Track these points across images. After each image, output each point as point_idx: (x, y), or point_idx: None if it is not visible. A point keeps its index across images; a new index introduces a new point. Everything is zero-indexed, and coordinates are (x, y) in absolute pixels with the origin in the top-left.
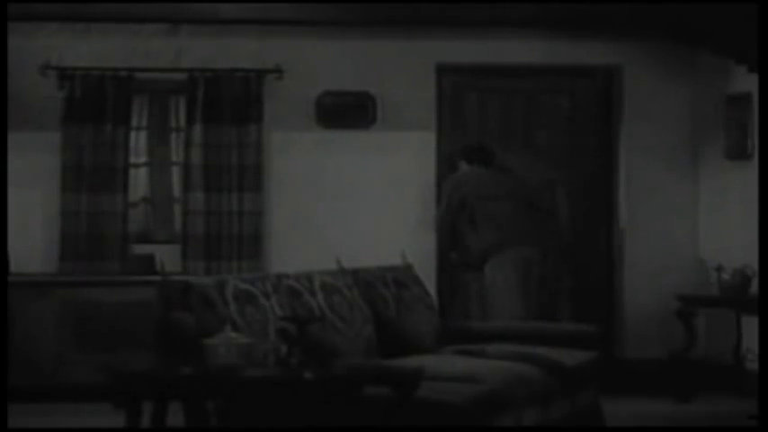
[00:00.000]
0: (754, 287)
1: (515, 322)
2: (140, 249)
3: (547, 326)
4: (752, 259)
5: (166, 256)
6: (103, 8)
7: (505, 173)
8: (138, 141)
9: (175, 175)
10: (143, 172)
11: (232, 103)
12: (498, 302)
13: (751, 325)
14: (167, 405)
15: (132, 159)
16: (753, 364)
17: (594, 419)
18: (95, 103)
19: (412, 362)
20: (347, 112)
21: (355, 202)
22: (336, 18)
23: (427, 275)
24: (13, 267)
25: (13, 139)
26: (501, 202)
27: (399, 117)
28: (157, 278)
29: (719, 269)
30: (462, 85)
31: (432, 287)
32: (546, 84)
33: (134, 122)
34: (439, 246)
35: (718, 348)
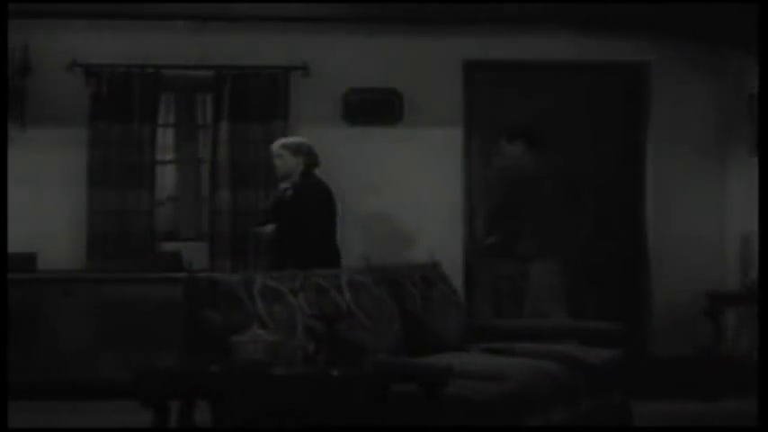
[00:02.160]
0: None
1: (543, 320)
2: (167, 247)
3: (574, 324)
4: None
5: (193, 254)
6: (130, 5)
7: (551, 160)
8: (165, 138)
9: (202, 172)
10: (170, 169)
11: (259, 100)
12: (538, 304)
13: None
14: (194, 403)
15: (159, 156)
16: None
17: (623, 418)
18: (122, 101)
19: (439, 360)
20: (374, 108)
21: (382, 199)
22: (363, 15)
23: (454, 272)
24: (40, 264)
25: (41, 136)
26: (549, 197)
27: (426, 113)
28: (184, 275)
29: (746, 266)
30: (489, 81)
31: (459, 283)
32: (573, 80)
33: (161, 119)
34: (480, 231)
35: (746, 346)
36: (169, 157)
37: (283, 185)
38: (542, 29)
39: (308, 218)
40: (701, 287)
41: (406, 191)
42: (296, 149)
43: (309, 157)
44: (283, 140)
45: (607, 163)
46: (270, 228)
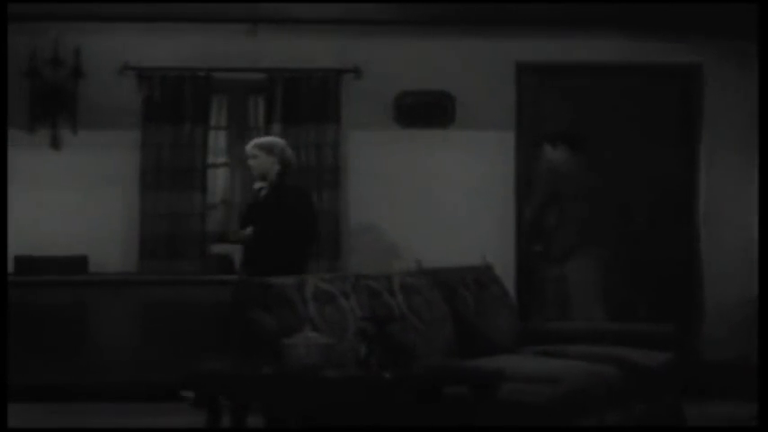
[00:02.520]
0: None
1: (595, 323)
2: (218, 249)
3: (626, 326)
4: None
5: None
6: (182, 8)
7: (596, 168)
8: (217, 141)
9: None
10: (222, 172)
11: (310, 102)
12: (578, 303)
13: None
14: (247, 405)
15: (211, 159)
16: None
17: (676, 421)
18: (174, 104)
19: (492, 362)
20: (426, 111)
21: (434, 201)
22: (415, 17)
23: (506, 275)
24: (92, 267)
25: (93, 139)
26: (589, 200)
27: (478, 116)
28: (236, 278)
29: None
30: (541, 83)
31: (511, 286)
32: (626, 82)
33: (213, 122)
34: (524, 237)
35: None
36: (221, 159)
37: (257, 185)
38: (595, 31)
39: (285, 219)
40: (753, 290)
41: (459, 193)
42: (269, 149)
43: (284, 156)
44: (256, 140)
45: (659, 165)
46: (249, 230)
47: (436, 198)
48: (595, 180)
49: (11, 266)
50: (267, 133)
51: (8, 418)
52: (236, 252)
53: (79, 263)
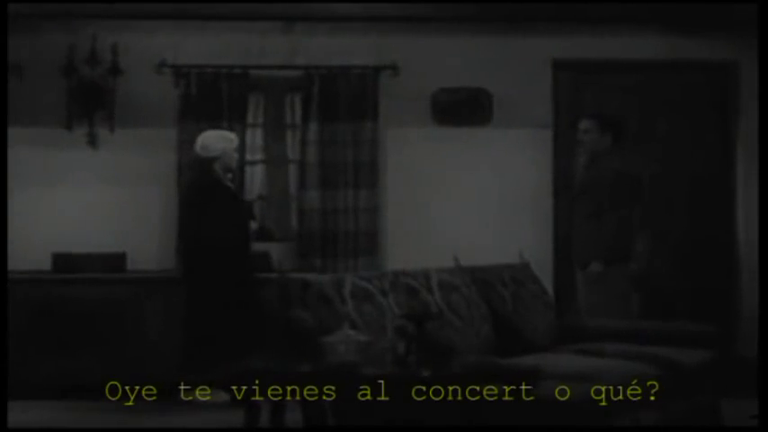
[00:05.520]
0: None
1: (632, 321)
2: (256, 247)
3: (665, 325)
4: None
5: (281, 254)
6: (219, 6)
7: (635, 165)
8: (254, 139)
9: (290, 172)
10: (258, 169)
11: (348, 99)
12: (611, 303)
13: None
14: (285, 402)
15: (248, 157)
16: None
17: (714, 420)
18: (211, 101)
19: (529, 361)
20: (463, 108)
21: (471, 199)
22: (452, 14)
23: (544, 272)
24: (130, 265)
25: (130, 136)
26: (631, 198)
27: (515, 113)
28: (273, 276)
29: None
30: (578, 81)
31: (548, 284)
32: (662, 80)
33: (249, 120)
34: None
35: None
36: (258, 157)
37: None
38: (631, 28)
39: None
40: None
41: (496, 191)
42: None
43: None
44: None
45: (696, 163)
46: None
47: (474, 195)
48: (635, 177)
49: (49, 264)
50: (303, 131)
51: (41, 416)
52: (274, 249)
53: (117, 260)
